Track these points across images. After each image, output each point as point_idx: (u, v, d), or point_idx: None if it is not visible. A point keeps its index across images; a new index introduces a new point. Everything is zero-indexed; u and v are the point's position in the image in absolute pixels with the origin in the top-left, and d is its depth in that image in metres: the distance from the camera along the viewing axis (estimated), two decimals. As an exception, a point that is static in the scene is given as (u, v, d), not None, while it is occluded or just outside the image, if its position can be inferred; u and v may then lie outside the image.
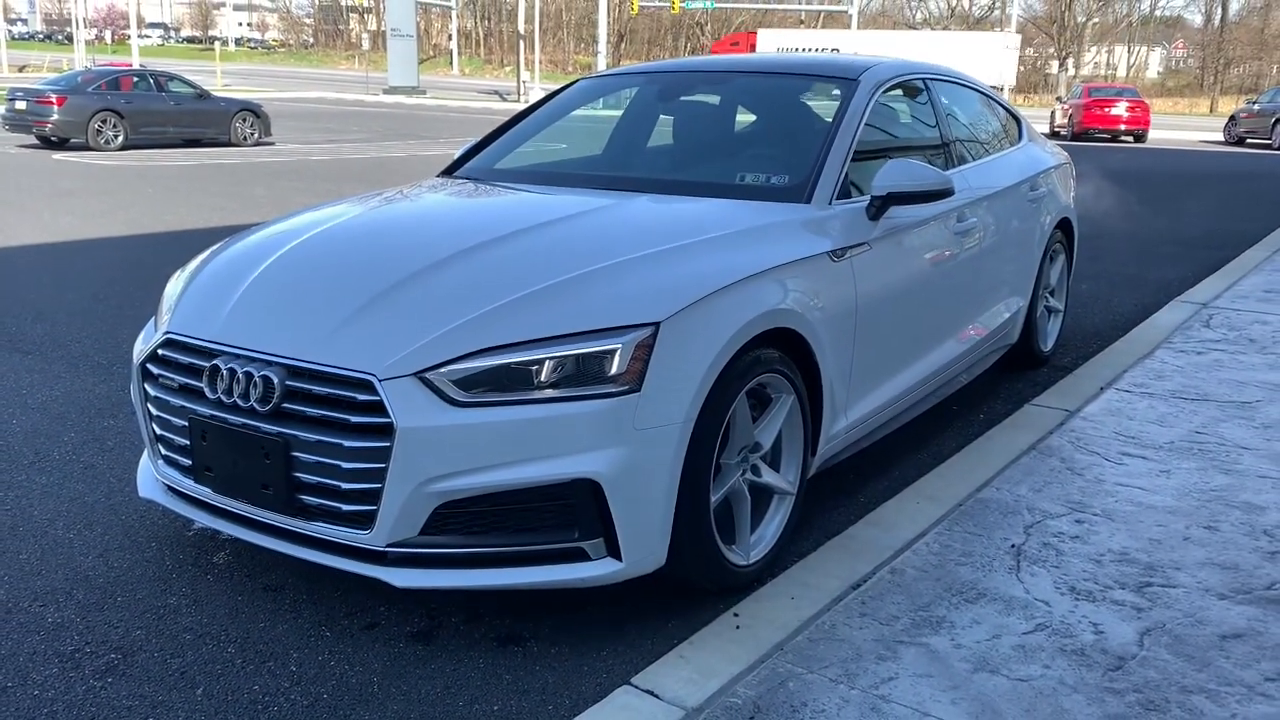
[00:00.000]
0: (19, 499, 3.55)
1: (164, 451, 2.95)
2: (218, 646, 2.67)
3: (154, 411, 2.93)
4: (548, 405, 2.50)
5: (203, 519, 2.86)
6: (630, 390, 2.53)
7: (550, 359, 2.52)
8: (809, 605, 2.87)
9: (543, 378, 2.52)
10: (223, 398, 2.69)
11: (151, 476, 3.07)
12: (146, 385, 2.95)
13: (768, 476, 3.06)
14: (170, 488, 2.98)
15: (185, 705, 2.43)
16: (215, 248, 3.41)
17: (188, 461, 2.85)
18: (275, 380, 2.61)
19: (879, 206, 3.47)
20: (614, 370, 2.53)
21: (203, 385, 2.74)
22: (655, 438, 2.56)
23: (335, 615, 2.83)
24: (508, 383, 2.52)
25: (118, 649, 2.65)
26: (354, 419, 2.52)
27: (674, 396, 2.59)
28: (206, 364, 2.75)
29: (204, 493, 2.83)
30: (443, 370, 2.51)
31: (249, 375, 2.64)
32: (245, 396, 2.65)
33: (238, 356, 2.72)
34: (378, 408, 2.51)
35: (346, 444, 2.51)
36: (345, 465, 2.53)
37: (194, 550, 3.18)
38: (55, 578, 3.01)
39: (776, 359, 2.93)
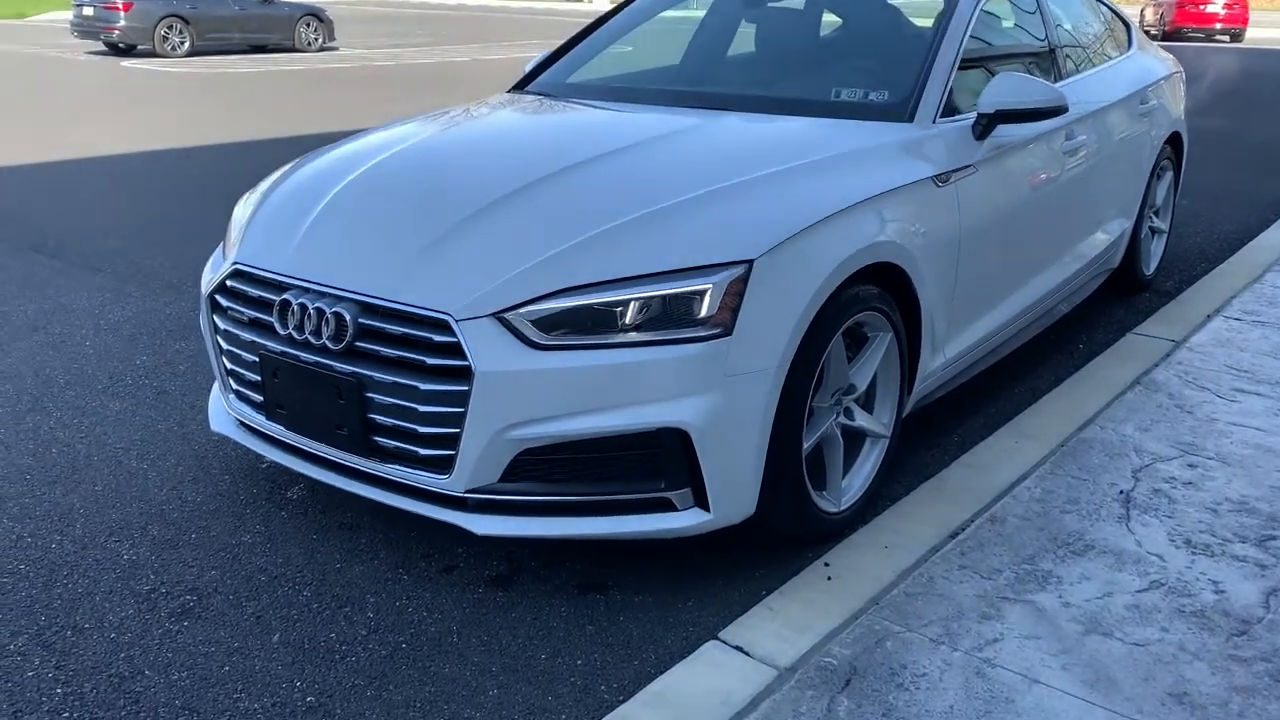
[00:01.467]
0: (94, 425, 3.52)
1: (235, 386, 2.86)
2: (293, 589, 2.60)
3: (224, 345, 2.83)
4: (633, 350, 2.34)
5: (276, 456, 2.78)
6: (721, 334, 2.36)
7: (635, 300, 2.35)
8: (904, 555, 2.72)
9: (627, 320, 2.36)
10: (294, 334, 2.57)
11: (223, 410, 2.99)
12: (215, 317, 2.85)
13: (861, 419, 2.89)
14: (242, 423, 2.89)
15: (261, 652, 2.37)
16: (283, 170, 3.27)
17: (259, 398, 2.76)
18: (348, 317, 2.48)
19: (986, 125, 3.21)
20: (704, 312, 2.36)
21: (273, 320, 2.63)
22: (747, 384, 2.39)
23: (412, 557, 2.75)
24: (590, 325, 2.36)
25: (193, 590, 2.60)
26: (430, 360, 2.39)
27: (768, 340, 2.42)
28: (276, 298, 2.63)
29: (276, 430, 2.74)
30: (521, 311, 2.36)
31: (320, 312, 2.52)
32: (317, 334, 2.53)
33: (308, 291, 2.59)
34: (454, 349, 2.38)
35: (423, 387, 2.39)
36: (421, 408, 2.41)
37: (267, 484, 3.12)
38: (130, 511, 2.96)
39: (875, 295, 2.73)
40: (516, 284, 2.38)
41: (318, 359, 2.55)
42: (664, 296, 2.36)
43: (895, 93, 3.23)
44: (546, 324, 2.36)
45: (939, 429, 3.55)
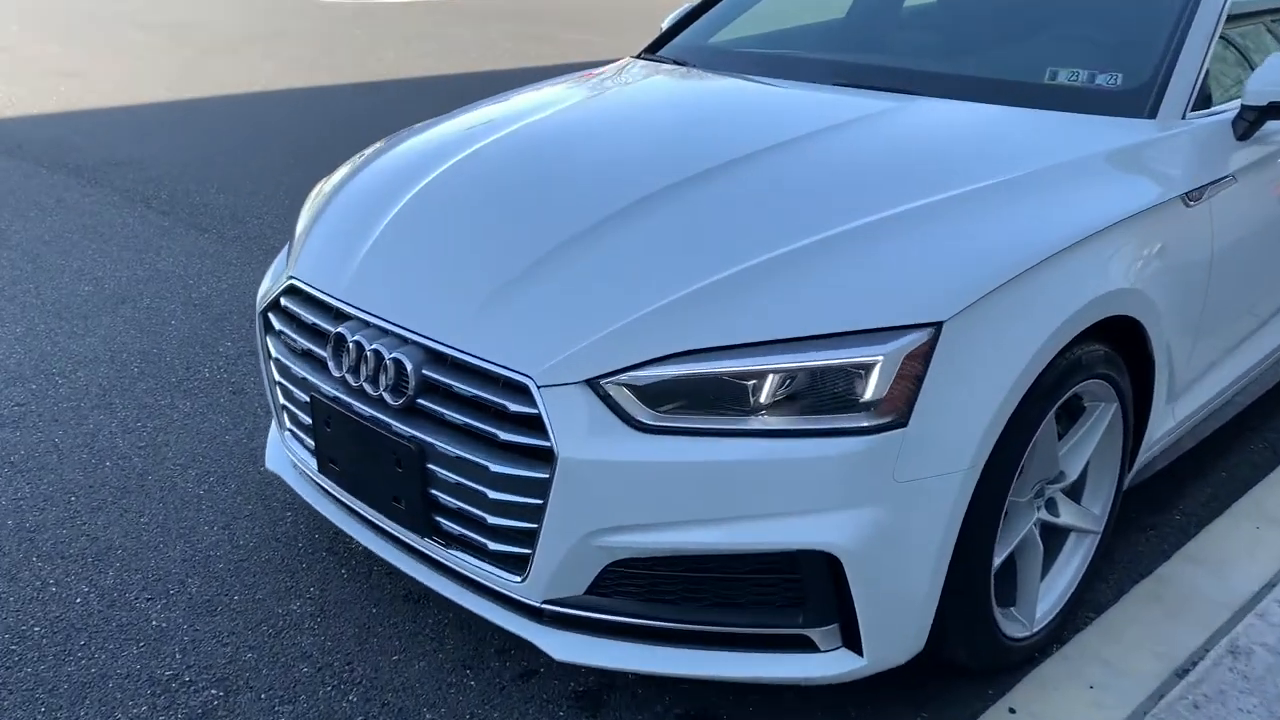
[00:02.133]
0: (157, 432, 3.12)
1: (288, 424, 2.38)
2: (337, 692, 2.12)
3: (276, 376, 2.34)
4: (769, 441, 1.73)
5: (330, 514, 2.29)
6: (892, 424, 1.73)
7: (775, 371, 1.74)
8: (1116, 703, 2.06)
9: (763, 397, 1.75)
10: (348, 378, 2.06)
11: (280, 447, 2.52)
12: (269, 340, 2.36)
13: (1067, 514, 2.22)
14: (298, 466, 2.42)
15: (286, 786, 1.91)
16: (362, 157, 2.75)
17: (312, 443, 2.27)
18: (409, 366, 1.95)
19: (1253, 121, 2.44)
20: (869, 394, 1.73)
21: (326, 357, 2.12)
22: (925, 493, 1.76)
23: (484, 653, 2.24)
24: (713, 402, 1.76)
25: (220, 681, 2.15)
26: (503, 435, 1.84)
27: (957, 433, 1.77)
28: (332, 330, 2.12)
29: (330, 485, 2.25)
30: (623, 377, 1.78)
31: (378, 355, 1.99)
32: (374, 381, 2.01)
33: (367, 325, 2.07)
34: (534, 423, 1.82)
35: (493, 468, 1.84)
36: (491, 494, 1.87)
37: (329, 533, 2.65)
38: (172, 554, 2.54)
39: (1101, 358, 2.05)
40: (619, 341, 1.80)
41: (374, 413, 2.03)
42: (814, 369, 1.74)
43: (1132, 75, 2.48)
44: (654, 396, 1.78)
45: (1153, 500, 2.83)
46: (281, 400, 2.36)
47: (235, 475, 2.89)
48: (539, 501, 1.82)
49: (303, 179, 5.89)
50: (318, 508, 2.32)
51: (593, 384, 1.79)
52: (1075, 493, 2.26)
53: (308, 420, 2.24)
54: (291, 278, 2.30)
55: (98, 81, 8.56)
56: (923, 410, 1.75)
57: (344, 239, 2.30)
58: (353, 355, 2.05)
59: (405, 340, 2.00)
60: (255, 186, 5.76)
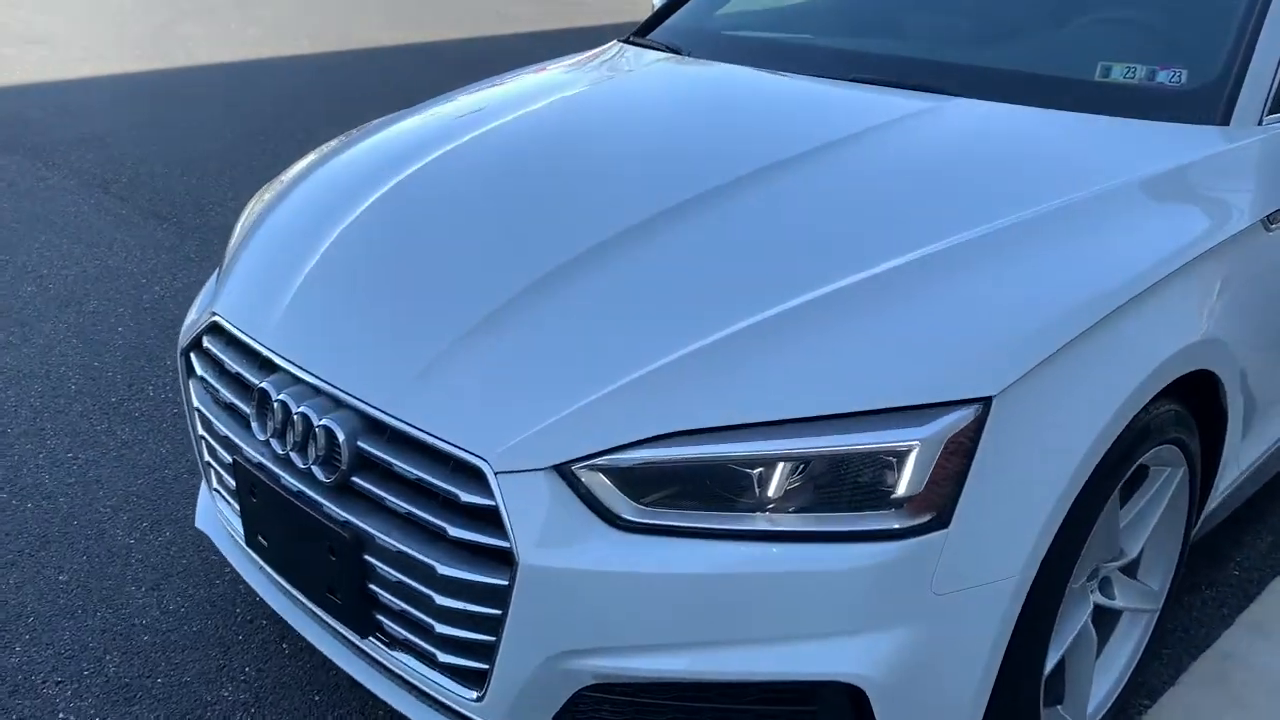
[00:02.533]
0: (88, 465, 2.79)
1: (216, 485, 2.05)
2: (266, 809, 1.81)
3: (199, 429, 2.01)
4: (780, 545, 1.40)
5: (263, 591, 1.97)
6: (930, 524, 1.40)
7: (787, 458, 1.41)
8: (1184, 825, 1.75)
9: (771, 490, 1.42)
10: (274, 444, 1.72)
11: (209, 502, 2.19)
12: (192, 384, 2.02)
13: (1123, 595, 1.90)
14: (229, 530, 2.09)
15: None
16: (310, 160, 2.40)
17: (238, 509, 1.94)
18: (341, 436, 1.61)
19: (1342, 126, 2.09)
20: (903, 487, 1.40)
21: (250, 414, 1.79)
22: (969, 606, 1.44)
23: (442, 754, 1.92)
24: (712, 494, 1.43)
25: (131, 795, 1.83)
26: (452, 530, 1.50)
27: (1009, 530, 1.44)
28: (256, 382, 1.78)
29: (260, 562, 1.92)
30: (602, 461, 1.44)
31: (306, 419, 1.66)
32: (303, 451, 1.68)
33: (297, 381, 1.73)
34: (490, 517, 1.49)
35: (440, 570, 1.51)
36: (439, 600, 1.54)
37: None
38: (91, 623, 2.22)
39: (1172, 419, 1.71)
40: (598, 416, 1.46)
41: (304, 489, 1.69)
42: (835, 456, 1.40)
43: (1199, 72, 2.12)
44: (639, 485, 1.45)
45: (1207, 552, 2.51)
46: (206, 457, 2.02)
47: (171, 520, 2.56)
48: (497, 612, 1.50)
49: (273, 161, 5.52)
50: (250, 581, 1.99)
51: (563, 470, 1.45)
52: (1131, 567, 1.94)
53: (232, 483, 1.91)
54: (215, 314, 1.96)
55: (65, 49, 8.14)
56: (968, 506, 1.41)
57: (274, 269, 1.96)
58: (278, 417, 1.71)
59: (338, 403, 1.66)
60: (222, 168, 5.39)
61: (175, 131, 6.04)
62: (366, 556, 1.63)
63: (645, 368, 1.49)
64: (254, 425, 1.76)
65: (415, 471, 1.54)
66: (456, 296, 1.70)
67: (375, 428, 1.62)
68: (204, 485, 2.23)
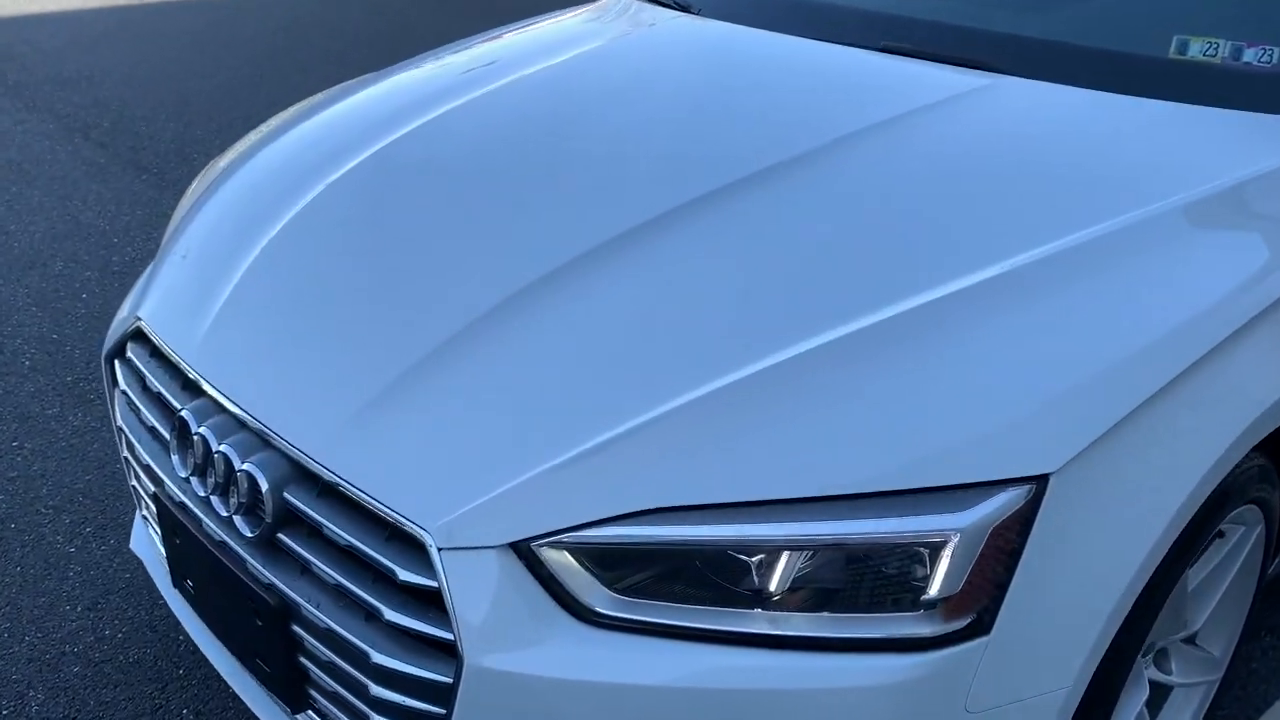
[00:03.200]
0: (34, 457, 2.55)
1: (143, 512, 1.80)
2: None
3: (123, 449, 1.75)
4: (785, 654, 1.15)
5: (193, 633, 1.73)
6: (968, 631, 1.14)
7: (792, 545, 1.14)
8: None
9: (773, 583, 1.16)
10: (194, 484, 1.47)
11: (144, 530, 1.94)
12: (117, 396, 1.77)
13: (1181, 669, 1.64)
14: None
15: None
16: (269, 127, 2.12)
17: (162, 547, 1.69)
18: (265, 484, 1.35)
19: None
20: (936, 587, 1.13)
21: (169, 444, 1.53)
22: (1011, 728, 1.18)
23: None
24: (699, 587, 1.17)
25: None
26: (388, 613, 1.25)
27: (1063, 634, 1.18)
28: (178, 407, 1.52)
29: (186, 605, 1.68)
30: (570, 538, 1.18)
31: (227, 460, 1.40)
32: (225, 493, 1.43)
33: (221, 410, 1.47)
34: (432, 599, 1.24)
35: (375, 657, 1.26)
36: (374, 690, 1.29)
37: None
38: (18, 650, 1.99)
39: (1255, 476, 1.44)
40: (566, 483, 1.19)
41: (226, 539, 1.44)
42: (851, 546, 1.14)
43: (1296, 48, 1.80)
44: (614, 567, 1.19)
45: (1269, 594, 2.24)
46: (132, 480, 1.77)
47: (116, 526, 2.33)
48: (440, 711, 1.25)
49: (266, 106, 5.21)
50: (182, 622, 1.75)
51: (521, 548, 1.19)
52: (1192, 634, 1.68)
53: (155, 511, 1.66)
54: (139, 318, 1.69)
55: (57, -20, 7.79)
56: (1014, 606, 1.15)
57: (207, 267, 1.69)
58: (199, 452, 1.45)
59: (265, 443, 1.40)
60: (211, 111, 5.09)
61: (164, 71, 5.73)
62: (295, 627, 1.38)
63: (627, 423, 1.22)
64: (174, 459, 1.51)
65: (346, 537, 1.28)
66: (410, 316, 1.43)
67: (306, 476, 1.37)
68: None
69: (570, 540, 1.18)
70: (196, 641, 1.70)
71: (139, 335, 1.70)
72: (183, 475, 1.49)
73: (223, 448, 1.40)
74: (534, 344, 1.34)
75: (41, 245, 3.67)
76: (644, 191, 1.55)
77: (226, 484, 1.42)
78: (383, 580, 1.28)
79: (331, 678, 1.36)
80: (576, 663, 1.17)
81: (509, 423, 1.26)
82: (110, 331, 1.82)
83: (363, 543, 1.27)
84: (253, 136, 2.11)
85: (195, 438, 1.45)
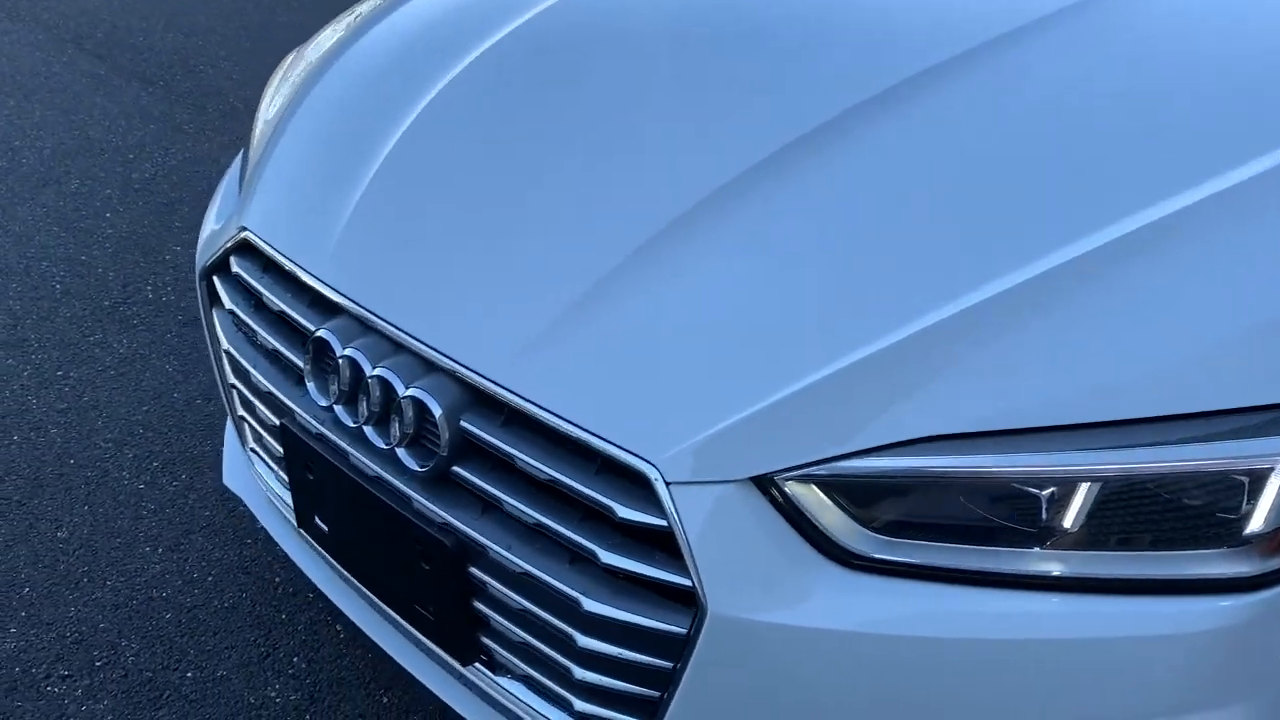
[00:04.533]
0: (82, 387, 2.36)
1: (253, 445, 1.63)
2: None
3: (230, 376, 1.57)
4: (1075, 600, 1.01)
5: (320, 580, 1.57)
6: (1297, 572, 1.01)
7: (1093, 476, 1.00)
8: None
9: (1066, 520, 1.01)
10: (341, 413, 1.31)
11: (242, 461, 1.77)
12: (216, 314, 1.58)
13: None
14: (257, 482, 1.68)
15: None
16: (364, 10, 1.90)
17: (285, 479, 1.53)
18: (437, 411, 1.19)
19: None
20: (1258, 519, 1.00)
21: (304, 369, 1.36)
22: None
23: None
24: (967, 524, 1.03)
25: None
26: (604, 556, 1.10)
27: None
28: (312, 328, 1.34)
29: (317, 548, 1.52)
30: (823, 470, 1.03)
31: (385, 385, 1.24)
32: (383, 424, 1.26)
33: (367, 329, 1.30)
34: (658, 540, 1.09)
35: (588, 605, 1.11)
36: (582, 641, 1.14)
37: (319, 556, 1.94)
38: (100, 596, 1.83)
39: None
40: (813, 409, 1.04)
41: (385, 475, 1.28)
42: (1160, 475, 1.00)
43: None
44: (870, 504, 1.04)
45: None
46: (240, 411, 1.60)
47: (185, 460, 2.16)
48: (666, 665, 1.11)
49: (269, 17, 4.91)
50: (302, 566, 1.60)
51: (765, 483, 1.04)
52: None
53: (279, 449, 1.50)
54: (245, 230, 1.50)
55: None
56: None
57: (325, 170, 1.50)
58: (345, 377, 1.29)
59: (431, 366, 1.24)
60: (213, 22, 4.79)
61: (154, -21, 5.38)
62: (473, 570, 1.23)
63: (884, 338, 1.06)
64: (310, 386, 1.34)
65: (547, 470, 1.13)
66: (593, 217, 1.26)
67: (484, 402, 1.20)
68: (231, 437, 1.81)
69: (821, 473, 1.03)
70: (322, 586, 1.55)
71: (245, 248, 1.51)
72: (324, 404, 1.32)
73: (379, 372, 1.23)
74: (753, 249, 1.17)
75: (52, 162, 3.42)
76: (847, 73, 1.36)
77: (384, 413, 1.25)
78: (594, 518, 1.12)
79: (521, 627, 1.22)
80: (838, 611, 1.03)
81: (736, 341, 1.10)
82: (202, 245, 1.63)
83: (568, 477, 1.11)
84: (347, 18, 1.90)
85: (340, 361, 1.28)
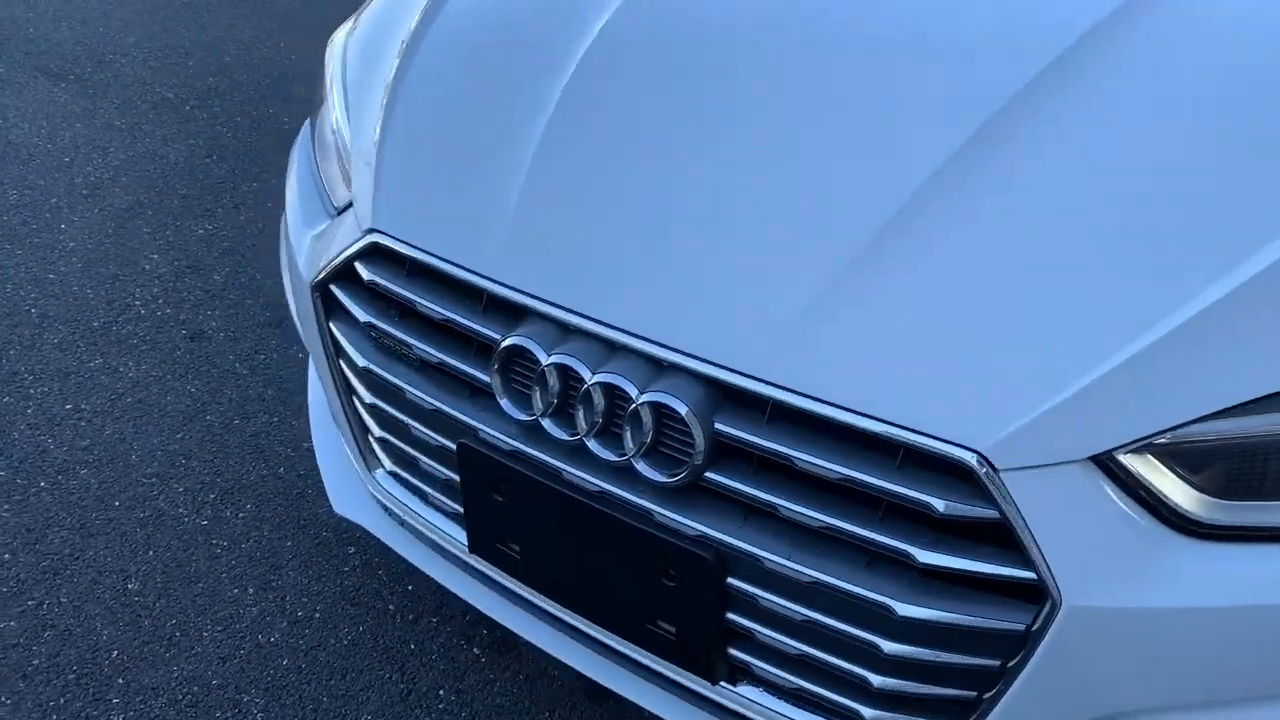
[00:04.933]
0: (99, 421, 2.14)
1: (389, 464, 1.48)
2: None
3: (364, 394, 1.42)
4: None
5: (489, 606, 1.44)
6: None
7: None
8: None
9: None
10: (552, 428, 1.18)
11: (355, 481, 1.61)
12: (336, 329, 1.42)
13: None
14: (394, 513, 1.53)
15: None
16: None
17: (454, 507, 1.39)
18: (686, 413, 1.08)
19: None
20: None
21: (493, 385, 1.22)
22: None
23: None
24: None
25: None
26: (922, 556, 1.01)
27: None
28: (496, 335, 1.21)
29: (492, 571, 1.39)
30: (1166, 439, 0.97)
31: (611, 391, 1.12)
32: (604, 433, 1.15)
33: (569, 330, 1.18)
34: (986, 534, 1.01)
35: (901, 610, 1.03)
36: (889, 648, 1.06)
37: (425, 583, 1.80)
38: (200, 650, 1.66)
39: None
40: (1149, 376, 0.98)
41: (611, 487, 1.17)
42: None
43: None
44: (1202, 468, 0.99)
45: None
46: (378, 431, 1.44)
47: (243, 488, 1.97)
48: (993, 663, 1.04)
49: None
50: (456, 590, 1.46)
51: (1104, 460, 0.97)
52: None
53: (446, 475, 1.36)
54: (374, 230, 1.35)
55: None
56: None
57: (460, 162, 1.35)
58: (553, 387, 1.16)
59: (661, 366, 1.12)
60: (107, 7, 4.41)
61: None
62: (733, 581, 1.13)
63: (1207, 296, 1.00)
64: (505, 403, 1.21)
65: (840, 469, 1.03)
66: (828, 193, 1.15)
67: (737, 400, 1.10)
68: (333, 460, 1.65)
69: (1167, 441, 0.97)
70: (493, 614, 1.42)
71: (376, 252, 1.35)
72: (524, 418, 1.20)
73: (603, 378, 1.12)
74: (1013, 213, 1.09)
75: (-22, 173, 3.10)
76: (1055, 23, 1.28)
77: (606, 418, 1.14)
78: (898, 515, 1.04)
79: (798, 638, 1.12)
80: (1197, 586, 0.97)
81: (1040, 311, 1.02)
82: (306, 254, 1.47)
83: (867, 474, 1.02)
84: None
85: (546, 370, 1.15)
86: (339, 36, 1.74)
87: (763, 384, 1.06)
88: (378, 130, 1.44)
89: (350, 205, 1.45)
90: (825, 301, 1.08)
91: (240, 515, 1.91)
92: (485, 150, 1.34)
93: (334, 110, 1.59)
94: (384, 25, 1.65)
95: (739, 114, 1.26)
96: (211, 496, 1.95)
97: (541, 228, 1.25)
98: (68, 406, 2.17)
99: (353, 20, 1.77)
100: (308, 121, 1.76)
